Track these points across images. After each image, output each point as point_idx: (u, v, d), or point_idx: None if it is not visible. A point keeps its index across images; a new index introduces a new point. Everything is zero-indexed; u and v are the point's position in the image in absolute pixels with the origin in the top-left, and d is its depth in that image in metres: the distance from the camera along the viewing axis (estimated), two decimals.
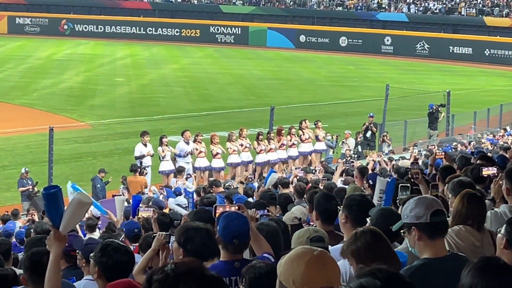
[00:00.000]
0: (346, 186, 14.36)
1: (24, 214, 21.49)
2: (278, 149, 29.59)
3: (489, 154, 16.28)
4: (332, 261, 3.99)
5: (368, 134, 33.32)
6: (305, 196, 12.18)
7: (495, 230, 6.84)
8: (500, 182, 8.13)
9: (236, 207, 7.06)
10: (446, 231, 5.78)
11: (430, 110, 36.71)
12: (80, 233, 16.61)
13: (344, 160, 22.02)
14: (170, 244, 7.38)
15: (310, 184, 16.51)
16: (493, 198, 8.40)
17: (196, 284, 3.50)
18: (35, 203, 23.13)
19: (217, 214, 6.97)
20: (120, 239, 10.97)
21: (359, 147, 32.84)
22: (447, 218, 5.86)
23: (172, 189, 22.49)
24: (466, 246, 6.47)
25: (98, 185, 25.36)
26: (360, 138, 33.31)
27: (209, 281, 3.55)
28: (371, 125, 33.40)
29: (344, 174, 18.89)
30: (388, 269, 3.65)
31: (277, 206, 11.90)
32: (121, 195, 21.80)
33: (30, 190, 25.09)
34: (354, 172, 18.28)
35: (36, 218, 18.81)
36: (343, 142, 32.35)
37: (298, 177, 20.23)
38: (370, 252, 5.04)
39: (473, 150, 23.37)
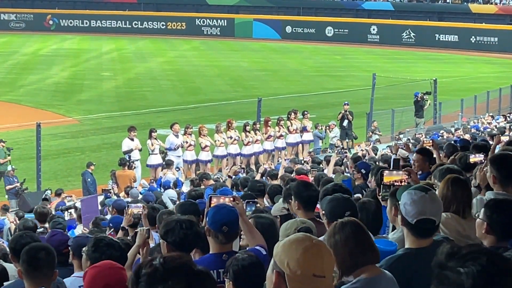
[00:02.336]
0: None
1: (12, 211, 21.42)
2: (265, 140, 29.61)
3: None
4: (329, 252, 4.04)
5: (345, 123, 33.00)
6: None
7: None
8: (485, 169, 8.16)
9: (231, 198, 7.07)
10: (431, 235, 5.74)
11: (416, 98, 36.79)
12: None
13: (337, 151, 22.03)
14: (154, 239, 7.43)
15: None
16: (479, 185, 8.41)
17: (185, 279, 3.53)
18: (24, 199, 23.08)
19: (212, 205, 6.97)
20: (108, 233, 11.00)
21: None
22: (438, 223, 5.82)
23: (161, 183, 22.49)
24: (452, 234, 6.48)
25: (89, 179, 25.33)
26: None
27: (197, 276, 3.58)
28: (347, 113, 33.14)
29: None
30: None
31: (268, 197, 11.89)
32: (110, 189, 21.85)
33: (18, 187, 25.03)
34: (347, 162, 18.31)
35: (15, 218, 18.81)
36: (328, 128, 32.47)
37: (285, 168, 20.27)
38: (348, 245, 5.06)
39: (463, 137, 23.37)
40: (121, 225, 10.39)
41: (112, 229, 10.97)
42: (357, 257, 5.03)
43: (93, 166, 25.73)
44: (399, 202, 5.78)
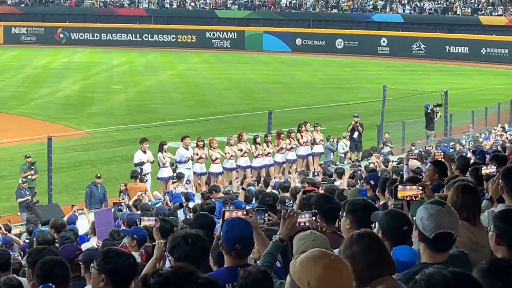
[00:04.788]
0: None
1: (23, 224, 21.44)
2: (276, 152, 29.57)
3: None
4: (347, 267, 4.04)
5: (355, 134, 33.02)
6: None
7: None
8: (499, 181, 8.12)
9: (244, 212, 7.04)
10: (448, 249, 5.72)
11: (426, 111, 36.69)
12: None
13: (351, 164, 21.98)
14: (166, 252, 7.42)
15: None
16: (491, 197, 8.37)
17: (196, 285, 3.56)
18: (35, 212, 23.09)
19: (225, 219, 6.96)
20: (120, 246, 10.98)
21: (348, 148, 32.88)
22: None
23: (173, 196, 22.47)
24: (463, 242, 6.45)
25: (96, 192, 25.43)
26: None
27: (207, 284, 3.61)
28: (357, 124, 33.17)
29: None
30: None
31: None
32: (121, 202, 21.84)
33: (29, 200, 25.07)
34: (362, 175, 18.24)
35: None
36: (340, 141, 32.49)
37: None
38: (365, 257, 5.04)
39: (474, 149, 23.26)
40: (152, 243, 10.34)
41: (135, 240, 10.86)
42: (374, 268, 5.01)
43: (98, 179, 25.76)
44: (414, 218, 5.76)
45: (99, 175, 26.34)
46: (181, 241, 6.57)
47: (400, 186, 7.50)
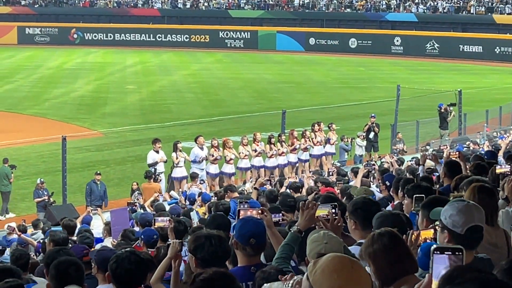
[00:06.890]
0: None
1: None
2: (290, 152, 29.52)
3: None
4: (365, 272, 4.05)
5: (371, 135, 33.00)
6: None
7: (507, 229, 6.83)
8: None
9: (260, 211, 7.04)
10: (478, 245, 5.71)
11: (439, 110, 36.59)
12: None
13: (365, 163, 21.92)
14: (183, 252, 7.42)
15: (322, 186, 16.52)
16: (507, 197, 8.34)
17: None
18: (50, 212, 23.16)
19: (240, 217, 6.96)
20: (134, 245, 11.01)
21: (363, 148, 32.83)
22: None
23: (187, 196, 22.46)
24: (481, 243, 6.44)
25: (96, 189, 25.55)
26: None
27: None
28: (373, 125, 33.14)
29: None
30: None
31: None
32: (135, 202, 21.86)
33: (46, 200, 25.14)
34: (375, 174, 18.23)
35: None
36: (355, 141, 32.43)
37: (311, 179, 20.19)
38: (387, 255, 5.02)
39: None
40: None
41: (142, 241, 10.94)
42: (396, 268, 4.99)
43: (98, 176, 25.96)
44: (436, 223, 5.72)
45: (98, 172, 26.51)
46: (206, 242, 6.55)
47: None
